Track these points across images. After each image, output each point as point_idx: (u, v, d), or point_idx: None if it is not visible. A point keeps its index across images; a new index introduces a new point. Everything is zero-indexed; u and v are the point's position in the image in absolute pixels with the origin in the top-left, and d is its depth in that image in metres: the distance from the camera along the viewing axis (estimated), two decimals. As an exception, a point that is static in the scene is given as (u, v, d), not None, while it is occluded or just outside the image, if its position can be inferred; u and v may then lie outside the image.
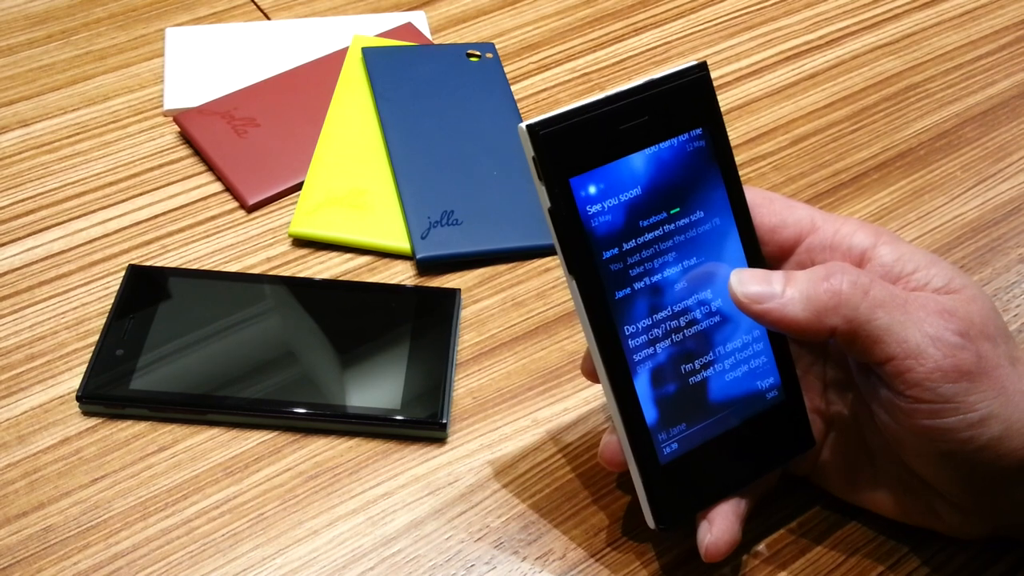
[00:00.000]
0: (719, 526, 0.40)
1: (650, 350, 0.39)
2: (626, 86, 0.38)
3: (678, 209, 0.39)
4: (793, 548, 0.44)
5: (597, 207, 0.37)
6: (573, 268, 0.38)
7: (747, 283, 0.38)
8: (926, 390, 0.36)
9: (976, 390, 0.36)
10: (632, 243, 0.38)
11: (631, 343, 0.39)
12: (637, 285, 0.39)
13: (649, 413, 0.39)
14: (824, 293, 0.37)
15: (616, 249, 0.38)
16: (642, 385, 0.39)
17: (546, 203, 0.37)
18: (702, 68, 0.39)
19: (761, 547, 0.44)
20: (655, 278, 0.39)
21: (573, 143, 0.37)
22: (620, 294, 0.38)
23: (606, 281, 0.38)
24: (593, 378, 0.42)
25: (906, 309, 0.36)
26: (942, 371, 0.36)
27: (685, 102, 0.39)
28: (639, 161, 0.38)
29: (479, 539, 0.44)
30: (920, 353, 0.36)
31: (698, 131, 0.39)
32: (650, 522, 0.40)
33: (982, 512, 0.40)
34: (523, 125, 0.36)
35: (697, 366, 0.40)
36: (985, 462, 0.36)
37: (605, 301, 0.38)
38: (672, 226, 0.39)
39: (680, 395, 0.40)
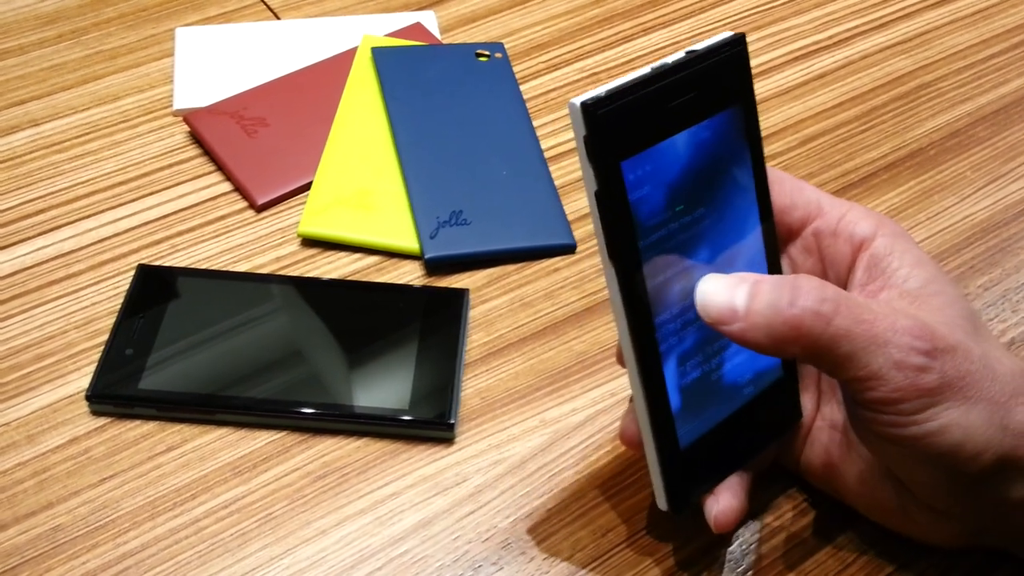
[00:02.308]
0: (725, 497, 0.41)
1: (679, 336, 0.38)
2: (671, 58, 0.35)
3: (711, 192, 0.38)
4: (794, 554, 0.44)
5: (643, 190, 0.35)
6: (615, 254, 0.35)
7: (710, 298, 0.37)
8: (886, 405, 0.36)
9: (936, 403, 0.36)
10: (672, 227, 0.37)
11: (663, 330, 0.38)
12: (672, 271, 0.37)
13: (674, 401, 0.39)
14: (784, 325, 0.36)
15: (656, 234, 0.36)
16: (670, 373, 0.38)
17: (593, 186, 0.35)
18: (741, 41, 0.37)
19: (763, 550, 0.44)
20: (688, 263, 0.38)
21: (624, 122, 0.34)
22: (657, 280, 0.37)
23: (645, 267, 0.36)
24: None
25: (872, 332, 0.36)
26: (902, 391, 0.36)
27: (726, 77, 0.37)
28: (683, 141, 0.36)
29: (487, 539, 0.44)
30: (881, 376, 0.36)
31: (735, 108, 0.38)
32: (663, 505, 0.40)
33: (955, 513, 0.40)
34: (576, 102, 0.33)
35: (716, 349, 0.40)
36: (948, 465, 0.37)
37: (643, 288, 0.37)
38: (705, 209, 0.38)
39: (701, 379, 0.40)
